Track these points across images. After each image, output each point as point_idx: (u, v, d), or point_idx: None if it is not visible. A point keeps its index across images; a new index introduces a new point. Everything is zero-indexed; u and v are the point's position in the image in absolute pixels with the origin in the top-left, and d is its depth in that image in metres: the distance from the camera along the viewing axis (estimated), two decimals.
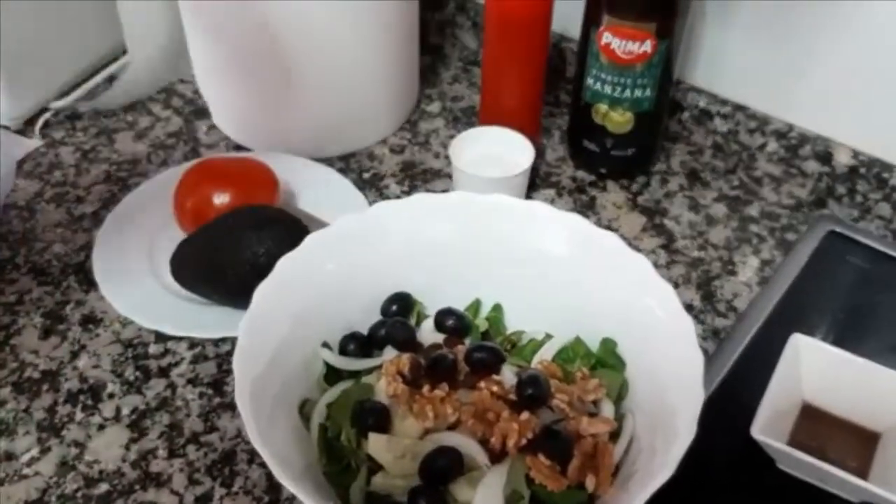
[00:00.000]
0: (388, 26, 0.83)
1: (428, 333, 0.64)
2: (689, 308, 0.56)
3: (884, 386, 0.63)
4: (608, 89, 0.79)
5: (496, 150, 0.81)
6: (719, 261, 0.79)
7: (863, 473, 0.60)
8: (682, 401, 0.52)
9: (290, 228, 0.69)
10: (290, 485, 0.47)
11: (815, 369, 0.64)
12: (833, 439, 0.64)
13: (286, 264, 0.59)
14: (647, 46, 0.75)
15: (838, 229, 0.80)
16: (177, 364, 0.69)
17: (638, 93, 0.78)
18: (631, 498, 0.48)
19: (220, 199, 0.74)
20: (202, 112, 0.93)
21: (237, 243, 0.68)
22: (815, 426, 0.64)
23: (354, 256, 0.63)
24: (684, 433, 0.49)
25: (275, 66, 0.81)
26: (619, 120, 0.81)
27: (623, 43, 0.75)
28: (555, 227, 0.63)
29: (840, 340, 0.65)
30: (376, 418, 0.56)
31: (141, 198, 0.80)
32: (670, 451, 0.49)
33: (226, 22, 0.80)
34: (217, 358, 0.70)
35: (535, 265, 0.63)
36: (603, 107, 0.80)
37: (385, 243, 0.63)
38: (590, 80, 0.80)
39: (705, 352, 0.68)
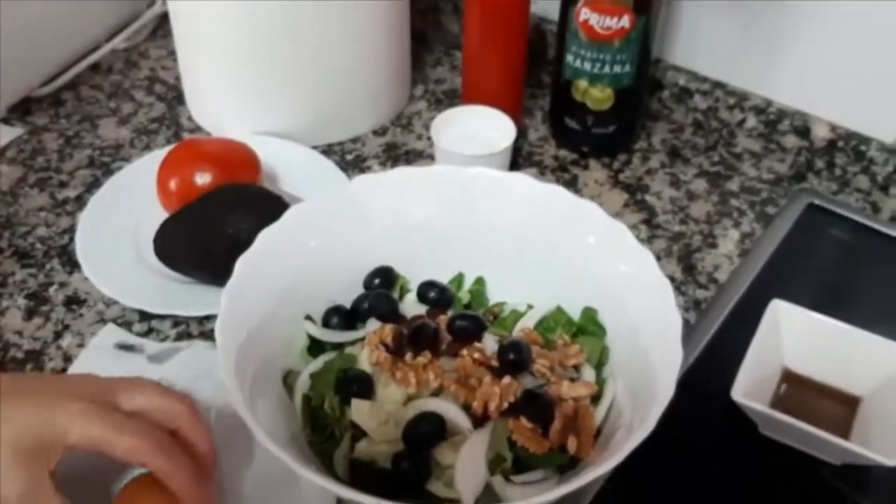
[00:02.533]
0: (381, 22, 0.83)
1: (411, 306, 0.64)
2: (670, 280, 0.57)
3: (864, 350, 0.63)
4: (587, 66, 0.79)
5: (477, 129, 0.82)
6: (700, 234, 0.79)
7: (844, 437, 0.61)
8: (661, 361, 0.52)
9: (272, 206, 0.69)
10: (276, 451, 0.47)
11: (795, 334, 0.65)
12: (814, 404, 0.64)
13: (268, 236, 0.59)
14: (625, 21, 0.75)
15: (818, 202, 0.81)
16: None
17: (617, 69, 0.79)
18: (611, 454, 0.48)
19: (203, 178, 0.74)
20: (185, 98, 0.93)
21: (220, 221, 0.68)
22: (796, 391, 0.65)
23: (336, 230, 0.63)
24: (664, 392, 0.50)
25: (266, 58, 0.81)
26: (599, 96, 0.81)
27: (601, 18, 0.76)
28: (535, 198, 0.63)
29: (820, 310, 0.65)
30: (359, 385, 0.56)
31: (124, 180, 0.80)
32: (650, 411, 0.49)
33: (215, 13, 0.80)
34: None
35: (516, 236, 0.64)
36: (583, 83, 0.81)
37: (367, 217, 0.64)
38: (569, 58, 0.80)
39: (686, 322, 0.69)
